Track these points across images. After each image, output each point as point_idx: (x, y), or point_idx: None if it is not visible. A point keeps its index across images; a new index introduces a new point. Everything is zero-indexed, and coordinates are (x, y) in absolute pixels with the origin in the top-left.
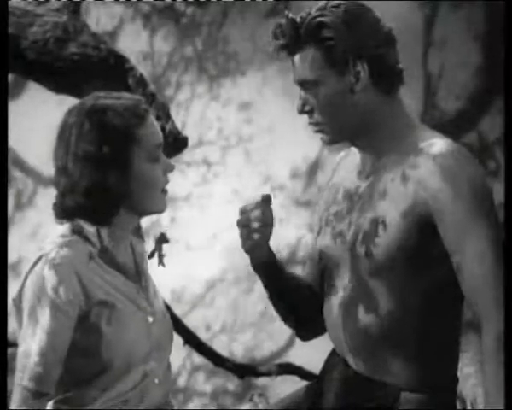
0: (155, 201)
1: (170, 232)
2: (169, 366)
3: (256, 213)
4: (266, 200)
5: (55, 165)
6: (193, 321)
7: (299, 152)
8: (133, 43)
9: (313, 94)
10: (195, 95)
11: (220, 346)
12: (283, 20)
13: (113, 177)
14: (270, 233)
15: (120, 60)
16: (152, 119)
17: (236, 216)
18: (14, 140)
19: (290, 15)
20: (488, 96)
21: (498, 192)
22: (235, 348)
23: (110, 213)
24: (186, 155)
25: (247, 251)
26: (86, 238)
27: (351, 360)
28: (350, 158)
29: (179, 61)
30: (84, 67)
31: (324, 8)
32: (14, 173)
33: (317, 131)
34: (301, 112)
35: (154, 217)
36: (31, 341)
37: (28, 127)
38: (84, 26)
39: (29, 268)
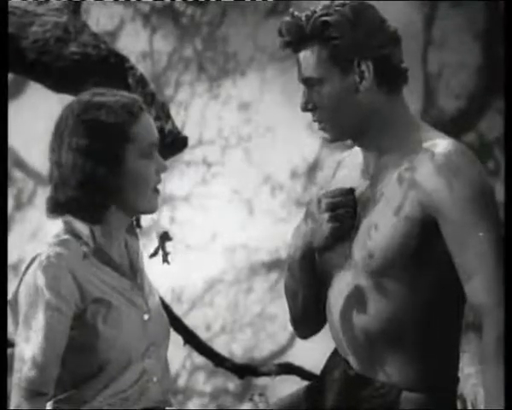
0: (146, 199)
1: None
2: (167, 363)
3: (345, 199)
4: (351, 191)
5: (50, 159)
6: (193, 321)
7: (298, 152)
8: (133, 43)
9: (317, 92)
10: (195, 94)
11: (220, 346)
12: (288, 18)
13: (104, 172)
14: (354, 224)
15: (120, 59)
16: (147, 117)
17: (237, 216)
18: (15, 140)
19: (296, 13)
20: (488, 96)
21: (498, 192)
22: (234, 347)
23: (101, 209)
24: (186, 155)
25: (327, 235)
26: (80, 237)
27: (351, 361)
28: (353, 158)
29: (179, 61)
30: (85, 67)
31: (329, 6)
32: (14, 173)
33: (320, 129)
34: (304, 109)
35: (153, 217)
36: (27, 341)
37: (28, 127)
38: (85, 26)
39: (24, 269)
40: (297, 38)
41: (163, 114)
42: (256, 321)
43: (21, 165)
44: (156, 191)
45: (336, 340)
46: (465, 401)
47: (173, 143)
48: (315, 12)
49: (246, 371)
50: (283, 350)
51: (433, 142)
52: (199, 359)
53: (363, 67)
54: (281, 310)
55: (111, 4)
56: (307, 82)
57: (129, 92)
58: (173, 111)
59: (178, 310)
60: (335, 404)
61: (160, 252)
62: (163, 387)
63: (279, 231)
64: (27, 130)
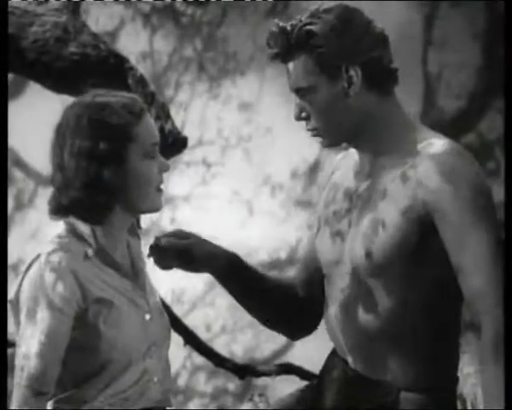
0: (150, 199)
1: None
2: (168, 363)
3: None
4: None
5: (52, 161)
6: (193, 321)
7: (298, 152)
8: (133, 43)
9: (308, 101)
10: (195, 95)
11: (220, 346)
12: (274, 29)
13: (107, 173)
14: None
15: (120, 60)
16: (148, 117)
17: (237, 216)
18: (15, 140)
19: (280, 24)
20: (488, 96)
21: (498, 192)
22: (235, 348)
23: (105, 211)
24: (186, 155)
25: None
26: (81, 238)
27: (350, 361)
28: (349, 158)
29: (179, 61)
30: (84, 67)
31: (314, 14)
32: (15, 174)
33: (314, 136)
34: (298, 119)
35: (153, 217)
36: (29, 341)
37: (28, 127)
38: (84, 26)
39: (25, 269)
40: (284, 49)
41: (163, 115)
42: (256, 322)
43: (21, 165)
44: (159, 190)
45: (334, 340)
46: (465, 401)
47: (173, 144)
48: (300, 21)
49: (246, 371)
50: (283, 350)
51: (429, 141)
52: (199, 359)
53: (352, 72)
54: None
55: (111, 4)
56: (298, 92)
57: (129, 92)
58: (173, 111)
59: (179, 310)
60: (335, 404)
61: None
62: (164, 387)
63: (279, 231)
64: (27, 130)
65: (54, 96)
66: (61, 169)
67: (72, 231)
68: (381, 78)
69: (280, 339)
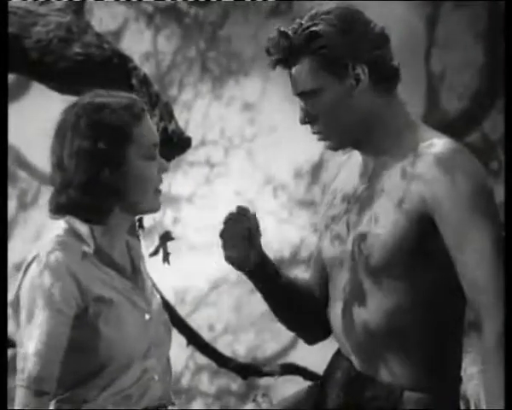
0: (149, 199)
1: (173, 232)
2: (169, 362)
3: (232, 226)
4: (242, 213)
5: (51, 161)
6: (196, 321)
7: (302, 152)
8: (136, 43)
9: (314, 103)
10: (198, 95)
11: (223, 346)
12: (275, 35)
13: (107, 173)
14: (255, 242)
15: (124, 60)
16: (148, 118)
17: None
18: (18, 140)
19: (281, 29)
20: (491, 96)
21: (501, 192)
22: (238, 348)
23: (104, 211)
24: (189, 155)
25: (229, 263)
26: (80, 238)
27: (354, 360)
28: (352, 161)
29: (182, 61)
30: (88, 67)
31: (315, 16)
32: (18, 173)
33: (320, 140)
34: (304, 122)
35: (156, 217)
36: (29, 341)
37: (32, 127)
38: (88, 26)
39: (24, 269)
40: (287, 54)
41: (166, 115)
42: (259, 321)
43: (25, 165)
44: (158, 191)
45: (338, 339)
46: (468, 401)
47: (177, 144)
48: (301, 24)
49: (249, 371)
50: (287, 350)
51: (431, 141)
52: (202, 359)
53: (359, 70)
54: None
55: (114, 4)
56: (304, 95)
57: (133, 93)
58: (177, 111)
59: (182, 310)
60: (338, 404)
61: (161, 252)
62: (165, 385)
63: (282, 231)
64: (31, 130)
65: (57, 97)
66: (60, 169)
67: (71, 231)
68: (386, 75)
69: (283, 339)
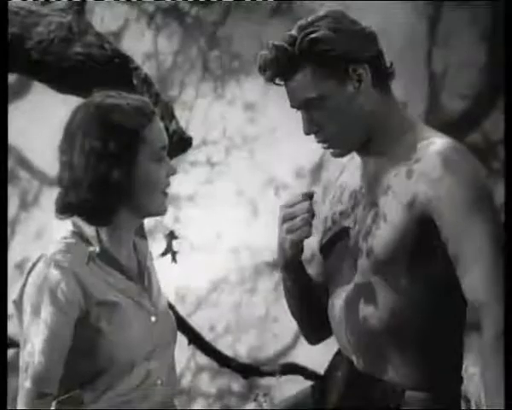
0: (156, 202)
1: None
2: (173, 366)
3: (301, 207)
4: (309, 196)
5: (60, 160)
6: (197, 321)
7: (303, 152)
8: (137, 43)
9: (319, 110)
10: (199, 95)
11: (224, 346)
12: (268, 51)
13: (116, 174)
14: (311, 231)
15: (125, 60)
16: (158, 121)
17: (241, 216)
18: (19, 140)
19: (275, 43)
20: (492, 96)
21: (501, 192)
22: (239, 348)
23: (111, 211)
24: (190, 155)
25: (288, 247)
26: (86, 240)
27: (355, 360)
28: (355, 160)
29: (183, 61)
30: (89, 67)
31: (311, 23)
32: (19, 173)
33: (326, 148)
34: (309, 133)
35: (157, 217)
36: (33, 340)
37: (33, 127)
38: (89, 26)
39: (29, 270)
40: (286, 65)
41: (167, 114)
42: (260, 321)
43: (26, 165)
44: (165, 194)
45: (339, 339)
46: (469, 401)
47: (178, 144)
48: (299, 32)
49: (250, 371)
50: (288, 350)
51: (431, 140)
52: (203, 359)
53: (360, 70)
54: (285, 310)
55: (115, 4)
56: (307, 104)
57: (133, 93)
58: (178, 111)
59: (183, 310)
60: (339, 404)
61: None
62: (168, 390)
63: None
64: (32, 130)
65: (58, 97)
66: (69, 168)
67: (77, 233)
68: (383, 75)
69: (284, 339)
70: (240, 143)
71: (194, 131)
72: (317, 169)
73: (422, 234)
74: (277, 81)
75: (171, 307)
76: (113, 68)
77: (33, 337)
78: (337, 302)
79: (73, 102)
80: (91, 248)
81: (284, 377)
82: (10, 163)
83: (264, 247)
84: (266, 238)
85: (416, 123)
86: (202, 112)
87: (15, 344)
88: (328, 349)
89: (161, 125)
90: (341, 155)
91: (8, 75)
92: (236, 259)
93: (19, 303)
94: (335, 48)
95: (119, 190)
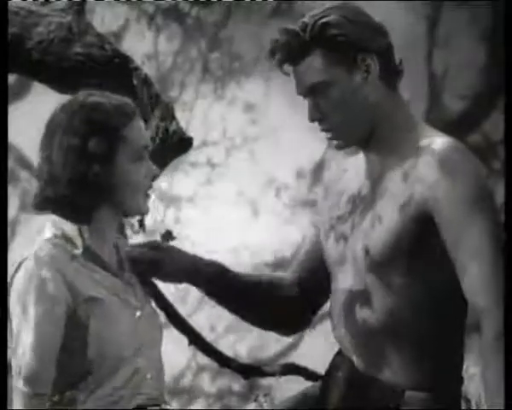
0: (136, 201)
1: (174, 232)
2: (161, 361)
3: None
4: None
5: (40, 155)
6: (198, 321)
7: (303, 152)
8: (138, 44)
9: (325, 97)
10: (200, 95)
11: (225, 346)
12: (281, 35)
13: (95, 171)
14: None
15: (125, 60)
16: (139, 121)
17: (242, 216)
18: (19, 140)
19: (288, 27)
20: (492, 96)
21: (502, 192)
22: (240, 348)
23: (90, 208)
24: (190, 156)
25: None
26: (69, 240)
27: (355, 360)
28: (357, 162)
29: (184, 62)
30: (89, 68)
31: (325, 10)
32: (20, 173)
33: (330, 138)
34: (313, 120)
35: (158, 217)
36: (22, 342)
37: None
38: (89, 27)
39: (13, 272)
40: (296, 50)
41: (167, 115)
42: None
43: (26, 165)
44: (146, 194)
45: (340, 339)
46: (469, 402)
47: (178, 144)
48: (311, 17)
49: (251, 371)
50: (288, 350)
51: (431, 140)
52: (204, 359)
53: (369, 61)
54: None
55: (115, 5)
56: (313, 89)
57: (133, 93)
58: (178, 112)
59: (183, 311)
60: (340, 404)
61: None
62: (158, 384)
63: (284, 231)
64: (32, 130)
65: (58, 97)
66: (49, 164)
67: (60, 233)
68: (391, 69)
69: (284, 339)
70: (240, 143)
71: (194, 132)
72: (318, 169)
73: (420, 235)
74: (285, 68)
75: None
76: (113, 69)
77: (23, 338)
78: (337, 303)
79: (65, 100)
80: (74, 248)
81: (284, 378)
82: (10, 163)
83: (264, 247)
84: (266, 239)
85: (419, 122)
86: (202, 113)
87: None
88: (328, 350)
89: (142, 125)
90: (344, 146)
91: (8, 75)
92: (237, 259)
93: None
94: (346, 34)
95: (97, 187)
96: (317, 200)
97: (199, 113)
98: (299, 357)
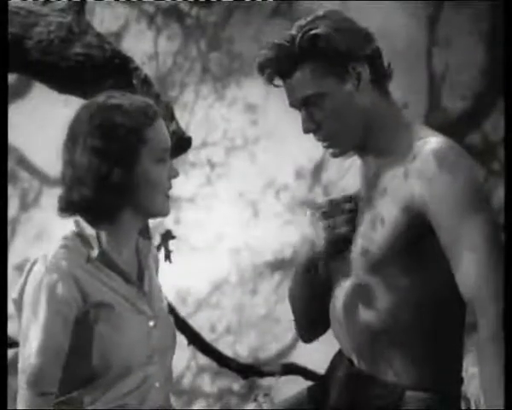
0: (158, 203)
1: (174, 233)
2: (171, 369)
3: (347, 205)
4: (350, 198)
5: (63, 158)
6: (198, 322)
7: (303, 153)
8: (138, 44)
9: (318, 109)
10: (200, 95)
11: (225, 347)
12: (267, 50)
13: (118, 173)
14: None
15: (125, 60)
16: (162, 122)
17: (242, 217)
18: (20, 140)
19: (276, 41)
20: (492, 96)
21: (501, 192)
22: (239, 348)
23: (113, 211)
24: (190, 156)
25: (330, 242)
26: (86, 242)
27: (355, 360)
28: (356, 164)
29: (184, 62)
30: (89, 68)
31: (312, 21)
32: (20, 174)
33: (326, 147)
34: (308, 131)
35: (157, 219)
36: (29, 341)
37: (33, 127)
38: (89, 27)
39: (28, 269)
40: (286, 63)
41: (167, 115)
42: (261, 322)
43: (26, 165)
44: (167, 196)
45: (340, 339)
46: (469, 401)
47: (177, 144)
48: (299, 31)
49: (250, 371)
50: (288, 351)
51: (426, 140)
52: (204, 360)
53: (360, 69)
54: (285, 311)
55: (115, 5)
56: (306, 101)
57: (134, 93)
58: (178, 112)
59: (183, 311)
60: (339, 404)
61: (163, 250)
62: (165, 392)
63: (284, 231)
64: (32, 130)
65: (58, 97)
66: (72, 166)
67: (78, 234)
68: (381, 74)
69: (284, 339)
70: (240, 144)
71: (194, 133)
72: (318, 170)
73: (419, 234)
74: (276, 82)
75: (171, 307)
76: (113, 69)
77: (31, 338)
78: (337, 303)
79: (73, 102)
80: (90, 250)
81: (284, 378)
82: (10, 163)
83: (264, 248)
84: (267, 239)
85: (413, 123)
86: (203, 113)
87: (16, 344)
88: (328, 350)
89: (165, 127)
90: (340, 154)
91: (8, 75)
92: (237, 260)
93: (19, 302)
94: (335, 45)
95: (120, 189)
96: (318, 201)
97: (199, 113)
98: (299, 357)
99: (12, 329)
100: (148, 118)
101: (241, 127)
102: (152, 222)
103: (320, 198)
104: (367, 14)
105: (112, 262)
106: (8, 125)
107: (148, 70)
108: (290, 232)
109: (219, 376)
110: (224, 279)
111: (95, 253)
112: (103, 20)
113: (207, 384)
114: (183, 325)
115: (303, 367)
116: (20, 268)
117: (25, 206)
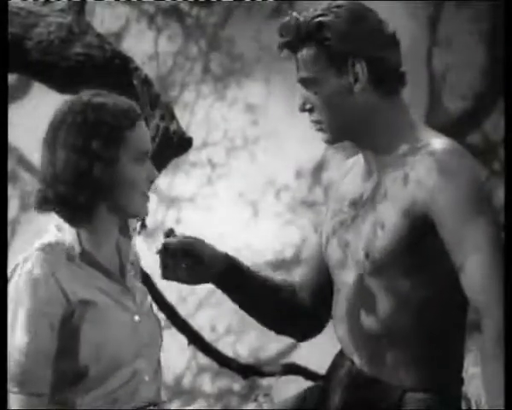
0: (136, 203)
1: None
2: (159, 363)
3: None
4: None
5: (42, 154)
6: (198, 322)
7: (303, 153)
8: (138, 44)
9: (313, 92)
10: (200, 95)
11: (225, 346)
12: (288, 18)
13: (96, 171)
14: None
15: (125, 60)
16: (143, 125)
17: (242, 217)
18: (20, 141)
19: (294, 14)
20: (492, 97)
21: (502, 192)
22: (240, 348)
23: (90, 209)
24: (191, 156)
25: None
26: (67, 242)
27: (356, 360)
28: (357, 166)
29: (184, 62)
30: (89, 68)
31: (327, 8)
32: (20, 174)
33: (317, 130)
34: (302, 110)
35: (159, 218)
36: (14, 344)
37: (33, 128)
38: (89, 27)
39: (11, 273)
40: (295, 38)
41: (168, 115)
42: None
43: (27, 166)
44: (146, 197)
45: (341, 340)
46: (469, 401)
47: (178, 144)
48: (313, 12)
49: (251, 371)
50: (288, 351)
51: (429, 141)
52: (204, 360)
53: (358, 68)
54: None
55: (116, 5)
56: (304, 82)
57: (134, 93)
58: (178, 112)
59: (184, 311)
60: (340, 404)
61: None
62: (155, 385)
63: (284, 231)
64: (33, 131)
65: (59, 97)
66: (50, 162)
67: (58, 235)
68: (388, 79)
69: (285, 339)
70: (241, 144)
71: (194, 133)
72: (318, 170)
73: (421, 234)
74: (284, 53)
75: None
76: (114, 69)
77: (13, 339)
78: (340, 306)
79: (69, 98)
80: (71, 250)
81: (285, 378)
82: (10, 163)
83: (264, 248)
84: (267, 239)
85: (419, 126)
86: (203, 113)
87: None
88: (329, 350)
89: (146, 130)
90: (332, 141)
91: (8, 75)
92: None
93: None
94: (337, 38)
95: (97, 186)
96: (319, 201)
97: (199, 113)
98: (300, 357)
99: None
100: (130, 120)
101: (241, 127)
102: (153, 222)
103: (320, 198)
104: None
105: (93, 260)
106: (8, 125)
107: (149, 70)
108: (290, 232)
109: (220, 376)
110: None
111: (76, 251)
112: (103, 20)
113: (208, 384)
114: (183, 325)
115: (303, 367)
116: None
117: (25, 206)
